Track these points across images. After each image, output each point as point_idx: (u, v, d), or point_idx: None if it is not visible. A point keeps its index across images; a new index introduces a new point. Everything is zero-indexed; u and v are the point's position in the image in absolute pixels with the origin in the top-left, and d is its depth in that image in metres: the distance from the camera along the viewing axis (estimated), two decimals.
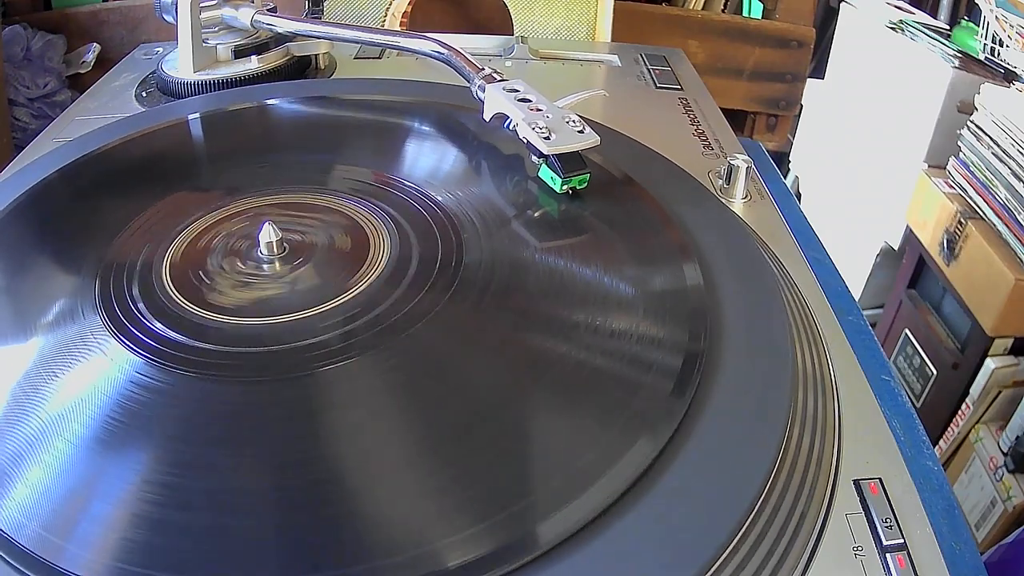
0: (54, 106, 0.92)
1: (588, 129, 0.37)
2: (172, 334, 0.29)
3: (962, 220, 0.89)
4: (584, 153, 0.37)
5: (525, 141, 0.38)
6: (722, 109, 0.54)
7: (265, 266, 0.33)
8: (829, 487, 0.27)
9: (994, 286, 0.83)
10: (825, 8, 1.39)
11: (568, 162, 0.37)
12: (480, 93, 0.41)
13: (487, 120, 0.41)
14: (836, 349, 0.33)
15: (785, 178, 0.88)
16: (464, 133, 0.44)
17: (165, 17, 0.53)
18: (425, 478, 0.24)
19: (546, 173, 0.37)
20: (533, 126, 0.37)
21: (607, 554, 0.22)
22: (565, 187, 0.37)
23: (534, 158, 0.38)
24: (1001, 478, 0.84)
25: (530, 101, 0.39)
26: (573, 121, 0.38)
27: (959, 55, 0.97)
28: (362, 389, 0.27)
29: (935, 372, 0.96)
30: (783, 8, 0.87)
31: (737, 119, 0.92)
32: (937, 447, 0.93)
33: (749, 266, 0.34)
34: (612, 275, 0.33)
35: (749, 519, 0.24)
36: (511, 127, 0.39)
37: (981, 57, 0.98)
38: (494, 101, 0.40)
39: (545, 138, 0.36)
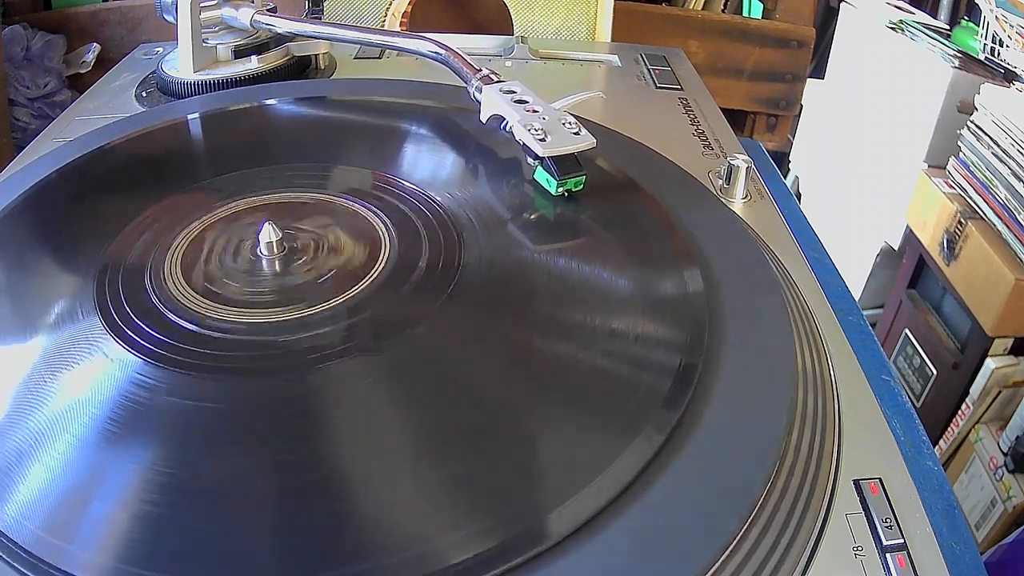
0: (54, 106, 0.92)
1: (584, 131, 0.37)
2: (171, 334, 0.29)
3: (962, 220, 0.89)
4: (583, 153, 0.37)
5: (521, 143, 0.38)
6: (722, 109, 0.54)
7: (265, 266, 0.33)
8: (829, 487, 0.27)
9: (994, 286, 0.83)
10: (825, 8, 1.39)
11: (564, 164, 0.36)
12: (477, 94, 0.41)
13: (484, 121, 0.41)
14: (836, 349, 0.33)
15: (785, 178, 0.88)
16: (464, 134, 0.44)
17: (165, 17, 0.53)
18: (423, 478, 0.24)
19: (542, 175, 0.37)
20: (529, 128, 0.37)
21: (607, 553, 0.22)
22: (561, 189, 0.37)
23: (530, 160, 0.38)
24: (1001, 478, 0.84)
25: (527, 103, 0.39)
26: (569, 123, 0.38)
27: (959, 55, 0.97)
28: (362, 388, 0.27)
29: (935, 372, 0.96)
30: (783, 8, 0.87)
31: (737, 119, 0.92)
32: (937, 447, 0.93)
33: (749, 266, 0.34)
34: (611, 276, 0.33)
35: (749, 519, 0.24)
36: (507, 129, 0.39)
37: (981, 57, 0.98)
38: (491, 103, 0.40)
39: (541, 140, 0.36)
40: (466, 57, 0.44)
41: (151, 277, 0.32)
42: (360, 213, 0.36)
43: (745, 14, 1.00)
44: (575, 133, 0.37)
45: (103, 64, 0.92)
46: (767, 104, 0.91)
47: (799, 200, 1.14)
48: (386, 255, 0.33)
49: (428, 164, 0.42)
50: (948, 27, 1.14)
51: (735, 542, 0.23)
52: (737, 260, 0.34)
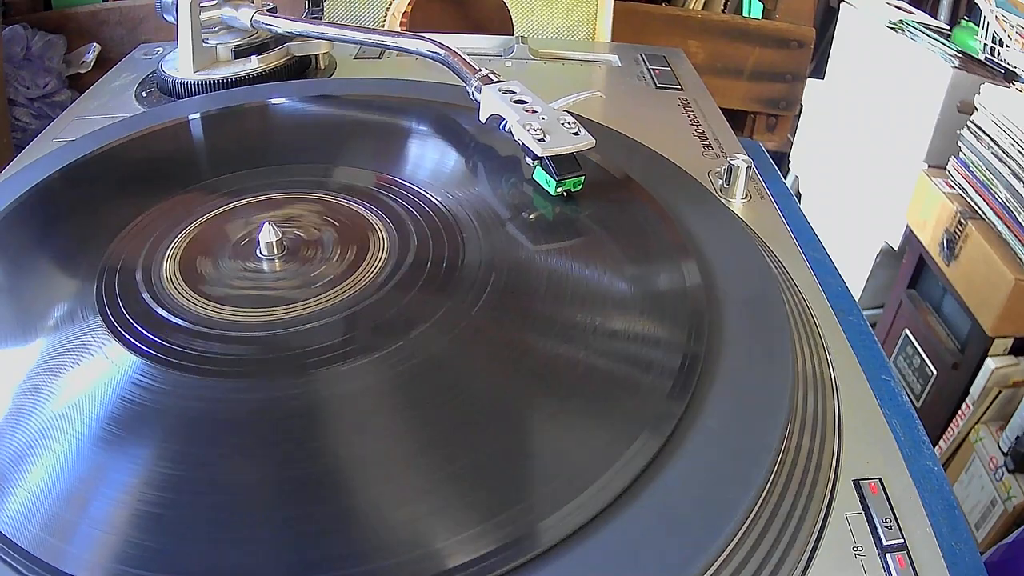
0: (54, 106, 0.92)
1: (583, 131, 0.37)
2: (172, 335, 0.29)
3: (962, 220, 0.89)
4: (583, 153, 0.37)
5: (520, 143, 0.38)
6: (722, 109, 0.54)
7: (265, 266, 0.33)
8: (829, 487, 0.27)
9: (994, 286, 0.83)
10: (825, 8, 1.39)
11: (562, 164, 0.36)
12: (476, 94, 0.41)
13: (483, 121, 0.41)
14: (836, 349, 0.33)
15: (785, 178, 0.88)
16: (464, 134, 0.44)
17: (165, 17, 0.53)
18: (424, 478, 0.24)
19: (540, 175, 0.37)
20: (528, 128, 0.37)
21: (607, 554, 0.22)
22: (560, 189, 0.37)
23: (529, 160, 0.38)
24: (1001, 478, 0.84)
25: (526, 103, 0.39)
26: (568, 123, 0.38)
27: (959, 55, 0.97)
28: (362, 389, 0.27)
29: (935, 372, 0.96)
30: (783, 8, 0.87)
31: (737, 119, 0.92)
32: (937, 447, 0.93)
33: (749, 266, 0.34)
34: (611, 276, 0.33)
35: (749, 519, 0.24)
36: (506, 129, 0.39)
37: (981, 57, 0.98)
38: (490, 102, 0.40)
39: (540, 140, 0.36)
40: (466, 57, 0.44)
41: (152, 277, 0.32)
42: (360, 213, 0.36)
43: (745, 14, 1.00)
44: (574, 133, 0.37)
45: (103, 64, 0.92)
46: (767, 104, 0.91)
47: (799, 200, 1.14)
48: (386, 255, 0.33)
49: (428, 164, 0.42)
50: (948, 27, 1.14)
51: (735, 542, 0.23)
52: (737, 260, 0.34)
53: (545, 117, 0.38)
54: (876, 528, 0.25)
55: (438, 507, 0.23)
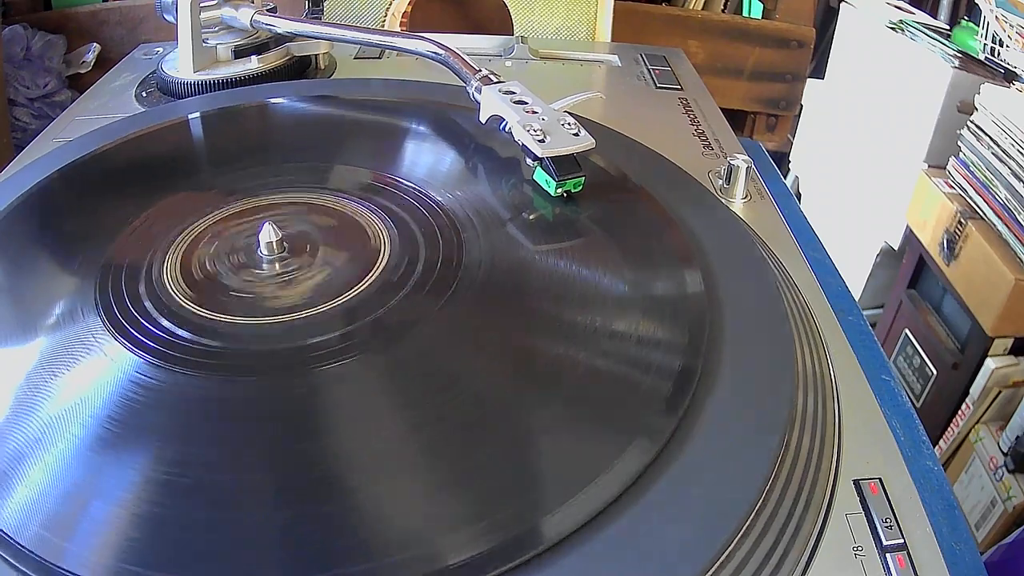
0: (54, 106, 0.92)
1: (583, 132, 0.37)
2: (171, 334, 0.29)
3: (962, 220, 0.89)
4: (583, 154, 0.37)
5: (520, 144, 0.38)
6: (722, 109, 0.54)
7: (265, 266, 0.33)
8: (829, 487, 0.27)
9: (994, 286, 0.83)
10: (825, 8, 1.39)
11: (562, 165, 0.36)
12: (476, 95, 0.41)
13: (483, 122, 0.41)
14: (836, 349, 0.33)
15: (785, 178, 0.88)
16: (465, 134, 0.44)
17: (165, 17, 0.53)
18: (423, 478, 0.24)
19: (541, 176, 0.37)
20: (528, 128, 0.37)
21: (607, 554, 0.22)
22: (560, 190, 0.37)
23: (529, 161, 0.38)
24: (1001, 478, 0.84)
25: (526, 103, 0.39)
26: (568, 124, 0.38)
27: (959, 55, 0.97)
28: (362, 389, 0.27)
29: (935, 372, 0.96)
30: (783, 8, 0.87)
31: (737, 119, 0.92)
32: (937, 447, 0.93)
33: (749, 267, 0.34)
34: (611, 277, 0.33)
35: (749, 519, 0.24)
36: (507, 129, 0.39)
37: (981, 57, 0.98)
38: (490, 103, 0.40)
39: (540, 141, 0.36)
40: (466, 58, 0.44)
41: (152, 277, 0.32)
42: (360, 213, 0.36)
43: (745, 14, 1.00)
44: (574, 134, 0.37)
45: (103, 64, 0.92)
46: (767, 104, 0.91)
47: (799, 200, 1.14)
48: (386, 255, 0.33)
49: (428, 164, 0.42)
50: (948, 27, 1.14)
51: (735, 542, 0.23)
52: (737, 260, 0.34)
53: (545, 118, 0.38)
54: (876, 528, 0.25)
55: (436, 508, 0.23)
